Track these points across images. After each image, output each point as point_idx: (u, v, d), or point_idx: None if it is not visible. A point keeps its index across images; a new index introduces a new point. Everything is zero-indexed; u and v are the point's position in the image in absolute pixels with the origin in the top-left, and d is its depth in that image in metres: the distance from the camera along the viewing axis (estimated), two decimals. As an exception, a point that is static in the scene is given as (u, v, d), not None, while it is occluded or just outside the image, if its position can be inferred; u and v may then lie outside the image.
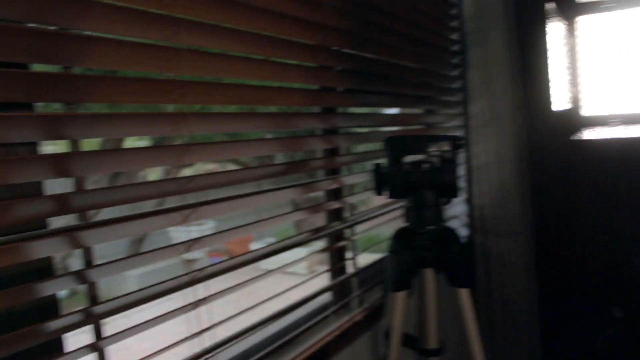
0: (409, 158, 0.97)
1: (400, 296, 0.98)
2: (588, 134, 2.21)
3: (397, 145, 0.98)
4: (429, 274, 1.02)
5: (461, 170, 2.56)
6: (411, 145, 0.97)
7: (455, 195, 0.95)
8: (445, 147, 0.95)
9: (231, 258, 1.12)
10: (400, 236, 0.99)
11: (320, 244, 1.46)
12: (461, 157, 2.54)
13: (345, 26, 1.49)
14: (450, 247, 0.96)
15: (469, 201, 2.61)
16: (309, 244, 1.38)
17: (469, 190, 2.59)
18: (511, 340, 2.59)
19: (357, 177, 1.60)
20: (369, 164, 1.75)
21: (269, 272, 1.23)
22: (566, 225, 2.77)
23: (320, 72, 1.41)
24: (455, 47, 2.49)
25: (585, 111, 2.44)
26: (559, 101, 2.20)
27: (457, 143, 0.95)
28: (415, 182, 0.96)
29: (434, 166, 0.95)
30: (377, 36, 1.68)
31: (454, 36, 2.48)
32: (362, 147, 1.86)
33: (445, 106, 2.34)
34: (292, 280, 1.32)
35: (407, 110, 2.19)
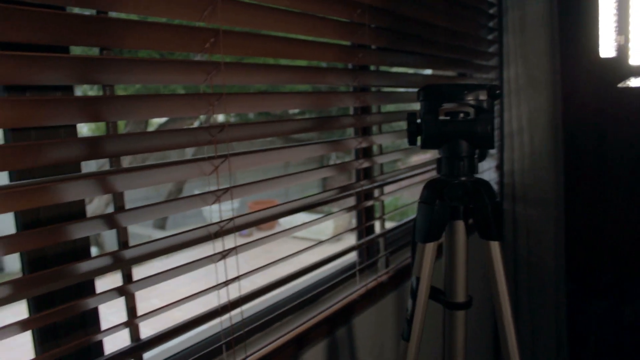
0: (445, 107, 0.95)
1: (430, 247, 0.98)
2: (635, 82, 2.13)
3: (432, 94, 0.96)
4: (459, 226, 1.01)
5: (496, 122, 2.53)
6: (447, 93, 0.95)
7: (491, 146, 0.94)
8: (482, 96, 0.93)
9: (258, 211, 1.12)
10: (432, 186, 0.98)
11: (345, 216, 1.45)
12: (497, 107, 2.50)
13: (380, -18, 1.46)
14: (483, 198, 0.95)
15: (499, 167, 2.58)
16: (335, 217, 1.37)
17: (500, 156, 2.56)
18: (537, 310, 2.58)
19: (387, 137, 1.59)
20: (398, 125, 1.73)
21: (297, 227, 1.23)
22: (598, 194, 2.72)
23: (354, 28, 1.39)
24: (492, 10, 2.44)
25: (634, 60, 2.32)
26: (606, 49, 2.12)
27: (494, 92, 0.93)
28: (449, 132, 0.94)
29: (469, 116, 0.94)
30: (412, -6, 1.65)
31: (491, -2, 2.42)
32: (392, 107, 1.84)
33: (479, 70, 2.29)
34: (318, 247, 1.32)
35: (439, 72, 2.15)
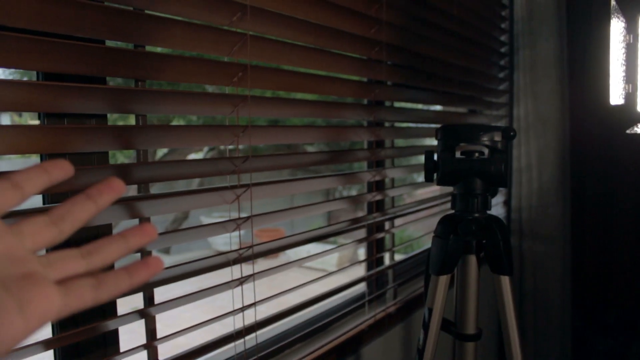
0: (461, 146, 0.99)
1: (443, 279, 1.01)
2: None
3: (449, 133, 1.00)
4: (472, 260, 1.04)
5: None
6: (463, 134, 0.99)
7: (504, 185, 0.98)
8: (497, 137, 0.97)
9: (274, 240, 1.15)
10: (446, 221, 1.01)
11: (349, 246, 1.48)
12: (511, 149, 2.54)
13: (398, 21, 1.51)
14: (495, 234, 0.98)
15: (506, 203, 2.61)
16: (342, 250, 1.40)
17: (508, 192, 2.59)
18: (542, 346, 2.58)
19: (400, 170, 1.62)
20: (407, 160, 1.77)
21: (308, 257, 1.26)
22: (604, 233, 2.74)
23: (372, 65, 1.43)
24: (503, 49, 2.49)
25: None
26: (614, 96, 2.16)
27: (509, 134, 0.96)
28: (465, 170, 0.98)
29: (484, 155, 0.98)
30: (427, 33, 1.69)
31: (503, 38, 2.48)
32: (402, 142, 1.88)
33: (490, 107, 2.34)
34: (325, 278, 1.35)
35: (450, 109, 2.20)
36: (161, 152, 8.41)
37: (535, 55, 2.40)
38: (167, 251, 9.93)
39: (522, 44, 2.43)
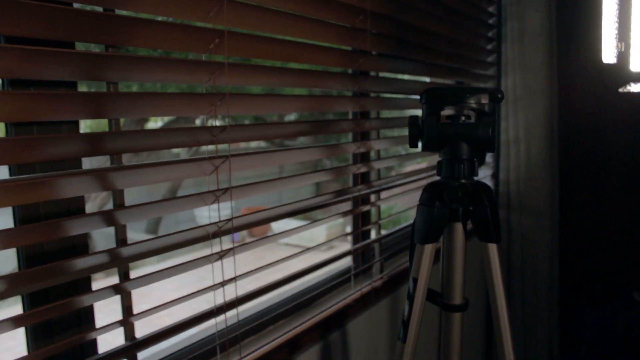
0: (446, 110, 0.96)
1: (429, 248, 0.98)
2: (635, 87, 2.14)
3: (434, 97, 0.97)
4: (458, 228, 1.02)
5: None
6: (448, 97, 0.95)
7: (492, 150, 0.95)
8: (484, 100, 0.94)
9: (256, 212, 1.12)
10: (432, 188, 0.98)
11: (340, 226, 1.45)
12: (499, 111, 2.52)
13: (383, -12, 1.47)
14: (482, 200, 0.95)
15: (494, 176, 2.59)
16: (329, 225, 1.38)
17: (496, 165, 2.57)
18: (530, 318, 2.59)
19: (386, 142, 1.59)
20: (393, 132, 1.74)
21: (293, 230, 1.24)
22: (593, 205, 2.74)
23: (356, 34, 1.39)
24: (491, 20, 2.45)
25: (634, 66, 2.31)
26: (607, 55, 2.13)
27: (496, 96, 0.93)
28: (450, 135, 0.95)
29: (471, 119, 0.94)
30: (413, 2, 1.65)
31: (491, 9, 2.43)
32: (390, 114, 1.85)
33: (477, 79, 2.30)
34: (310, 253, 1.32)
35: (438, 80, 2.16)
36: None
37: (524, 27, 2.37)
38: (154, 231, 9.90)
39: (510, 14, 2.39)
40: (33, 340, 0.82)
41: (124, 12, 0.84)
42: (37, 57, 0.70)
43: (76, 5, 0.80)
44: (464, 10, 2.05)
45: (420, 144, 1.00)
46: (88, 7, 0.80)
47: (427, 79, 2.21)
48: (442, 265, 1.06)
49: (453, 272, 1.03)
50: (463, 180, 0.97)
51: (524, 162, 2.44)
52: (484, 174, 2.54)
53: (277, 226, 9.09)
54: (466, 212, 1.01)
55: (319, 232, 9.03)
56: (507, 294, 0.99)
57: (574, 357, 2.71)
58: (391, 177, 1.68)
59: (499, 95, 0.94)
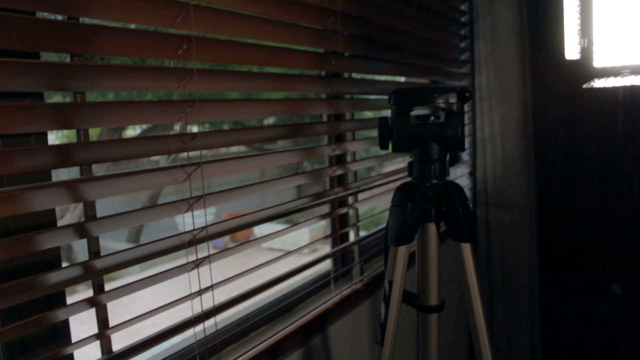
0: (415, 111, 0.96)
1: (402, 250, 0.98)
2: (599, 83, 2.16)
3: (403, 97, 0.97)
4: (431, 229, 1.01)
5: (467, 124, 2.57)
6: (417, 97, 0.95)
7: (461, 149, 0.95)
8: (452, 99, 0.94)
9: (232, 219, 1.11)
10: (403, 189, 0.98)
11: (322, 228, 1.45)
12: (468, 109, 2.53)
13: (353, -10, 1.46)
14: (454, 200, 0.95)
15: (471, 174, 2.60)
16: (310, 228, 1.37)
17: (473, 163, 2.58)
18: (511, 314, 2.60)
19: (361, 144, 1.59)
20: (371, 134, 1.74)
21: (272, 234, 1.23)
22: (569, 199, 2.77)
23: (327, 36, 1.39)
24: (464, 18, 2.47)
25: (597, 62, 2.34)
26: (571, 51, 2.15)
27: (464, 95, 0.93)
28: (420, 135, 0.95)
29: (440, 119, 0.94)
30: (384, 2, 1.65)
31: (463, 7, 2.45)
32: (365, 115, 1.85)
33: (451, 77, 2.31)
34: (293, 257, 1.31)
35: (412, 80, 2.17)
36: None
37: (495, 23, 2.38)
38: (135, 240, 9.81)
39: (482, 11, 2.41)
40: (7, 357, 0.80)
41: (91, 21, 0.83)
42: (1, 68, 0.69)
43: (39, 15, 0.78)
44: (435, 9, 2.05)
45: (390, 145, 1.00)
46: (51, 16, 0.79)
47: (402, 79, 2.22)
48: (417, 267, 1.05)
49: (428, 273, 1.03)
50: (434, 181, 0.97)
51: (500, 159, 2.46)
52: (461, 172, 2.56)
53: (260, 231, 9.07)
54: (439, 213, 1.01)
55: (302, 236, 9.02)
56: (482, 293, 0.99)
57: (556, 349, 2.73)
58: (368, 178, 1.67)
59: (467, 94, 0.94)
